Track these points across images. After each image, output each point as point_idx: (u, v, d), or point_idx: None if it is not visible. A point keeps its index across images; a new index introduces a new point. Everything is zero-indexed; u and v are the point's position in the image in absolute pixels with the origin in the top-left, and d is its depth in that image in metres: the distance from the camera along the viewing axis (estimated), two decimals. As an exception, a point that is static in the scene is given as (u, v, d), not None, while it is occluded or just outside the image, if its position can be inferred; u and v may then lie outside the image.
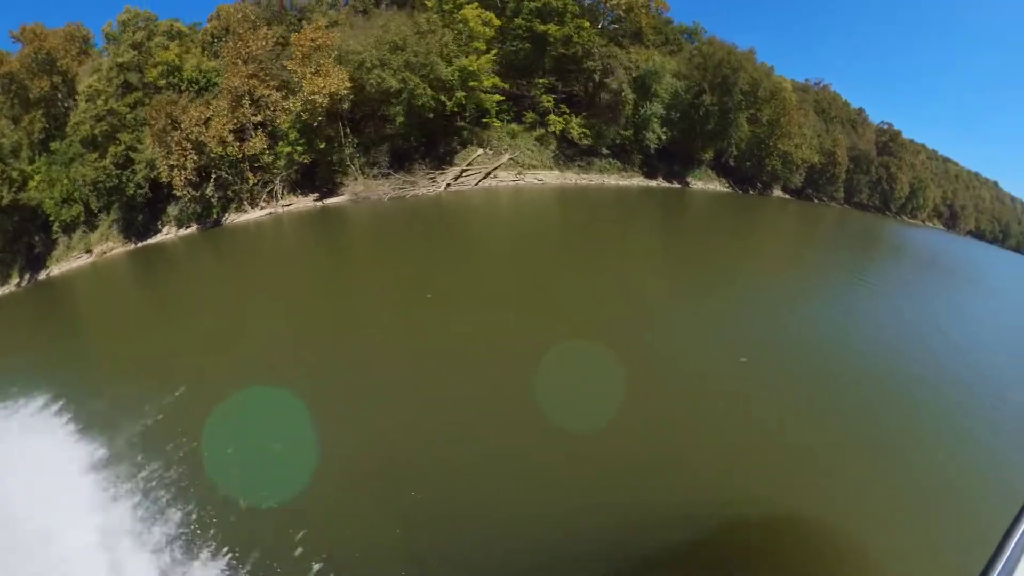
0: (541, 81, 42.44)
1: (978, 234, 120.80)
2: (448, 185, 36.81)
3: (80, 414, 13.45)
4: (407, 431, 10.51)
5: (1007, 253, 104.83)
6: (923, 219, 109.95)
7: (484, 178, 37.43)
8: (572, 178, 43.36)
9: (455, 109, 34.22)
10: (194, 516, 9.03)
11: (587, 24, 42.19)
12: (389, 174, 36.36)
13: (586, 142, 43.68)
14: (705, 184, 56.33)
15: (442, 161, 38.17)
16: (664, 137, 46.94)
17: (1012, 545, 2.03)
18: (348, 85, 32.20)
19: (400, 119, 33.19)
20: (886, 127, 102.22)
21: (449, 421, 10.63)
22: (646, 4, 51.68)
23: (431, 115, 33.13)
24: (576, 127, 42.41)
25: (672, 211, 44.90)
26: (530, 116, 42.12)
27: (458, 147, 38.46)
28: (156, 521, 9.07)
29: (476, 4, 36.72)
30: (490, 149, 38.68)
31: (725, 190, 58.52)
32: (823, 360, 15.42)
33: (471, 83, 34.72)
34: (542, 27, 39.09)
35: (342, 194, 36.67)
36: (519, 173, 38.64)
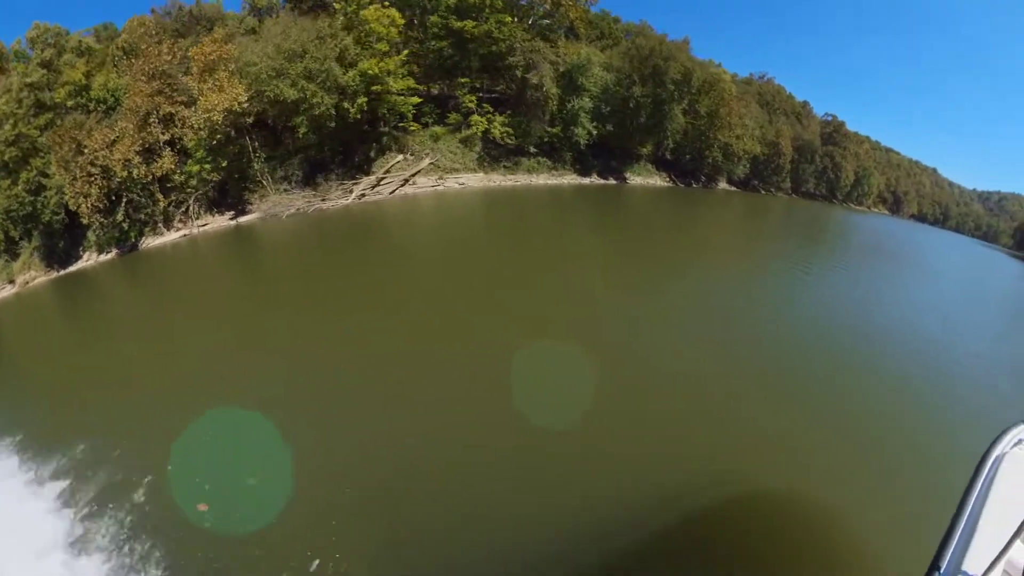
0: (464, 81, 39.42)
1: (920, 217, 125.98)
2: (363, 195, 34.18)
3: (28, 460, 11.55)
4: (374, 439, 9.69)
5: (947, 233, 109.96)
6: (869, 205, 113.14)
7: (402, 185, 34.20)
8: (497, 180, 40.77)
9: (357, 116, 31.73)
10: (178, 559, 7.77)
11: (509, 19, 38.73)
12: (302, 187, 34.04)
13: (510, 142, 40.87)
14: (645, 179, 54.02)
15: (359, 170, 35.28)
16: (595, 132, 44.66)
17: (972, 500, 2.92)
18: (244, 100, 29.82)
19: (303, 130, 30.91)
20: (830, 119, 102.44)
21: (414, 428, 9.87)
22: (573, -4, 49.06)
23: (332, 124, 30.83)
24: (499, 127, 38.95)
25: (608, 208, 41.91)
26: (453, 117, 39.02)
27: (377, 155, 35.34)
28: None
29: (379, 3, 34.24)
30: (411, 154, 35.67)
31: (666, 185, 56.23)
32: (782, 344, 15.30)
33: (375, 87, 32.09)
34: (458, 24, 36.31)
35: (255, 211, 34.26)
36: (440, 178, 35.01)
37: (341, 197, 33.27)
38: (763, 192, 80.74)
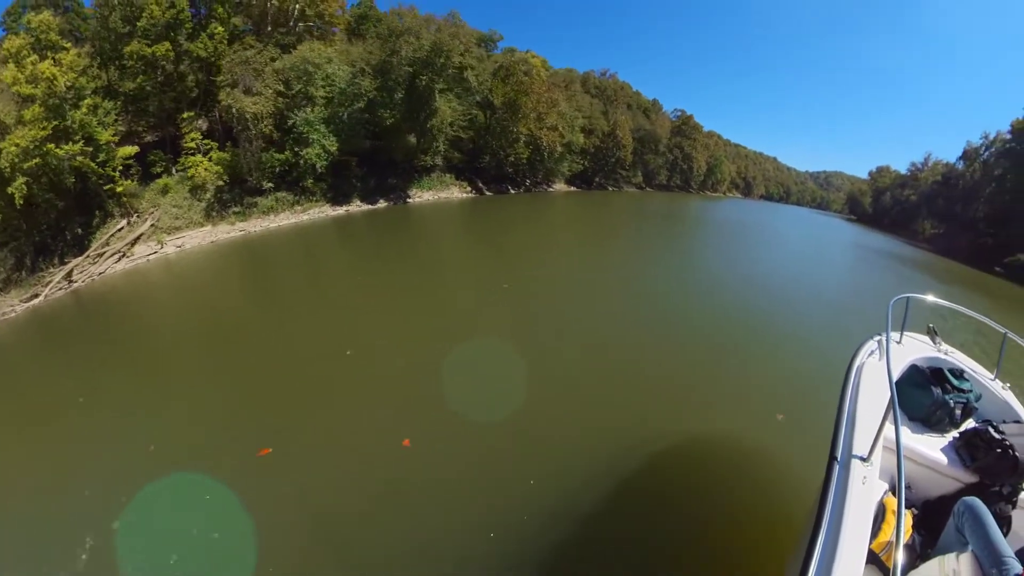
0: (186, 116, 24.94)
1: (768, 197, 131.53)
2: (70, 282, 17.50)
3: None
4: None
5: (792, 207, 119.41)
6: (723, 191, 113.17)
7: (118, 260, 19.75)
8: (226, 231, 24.05)
9: (20, 202, 16.45)
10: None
11: (220, 30, 24.77)
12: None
13: (219, 182, 24.56)
14: (438, 193, 35.59)
15: (80, 248, 19.40)
16: (332, 150, 26.88)
17: (847, 401, 3.58)
18: None
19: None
20: (679, 113, 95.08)
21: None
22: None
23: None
24: (203, 168, 23.81)
25: (367, 243, 24.18)
26: (183, 162, 24.35)
27: (99, 224, 21.01)
28: None
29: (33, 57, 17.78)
30: (135, 217, 22.34)
31: (467, 196, 38.16)
32: (674, 310, 14.68)
33: (33, 161, 16.74)
34: (148, 50, 22.73)
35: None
36: (159, 242, 21.20)
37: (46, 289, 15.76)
38: (610, 189, 66.06)
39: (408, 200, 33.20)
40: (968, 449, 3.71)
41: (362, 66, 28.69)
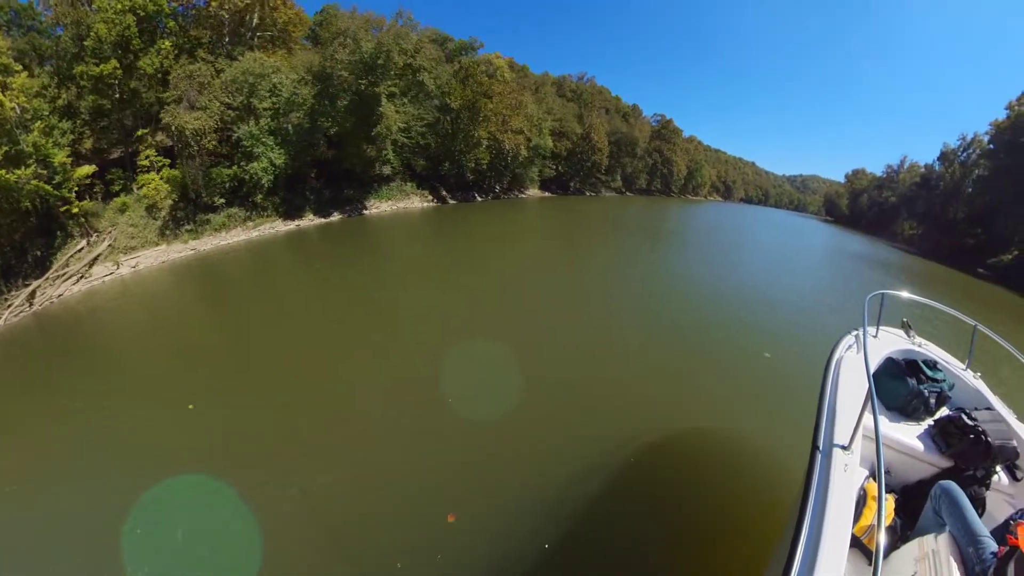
0: (140, 133, 24.65)
1: (748, 200, 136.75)
2: (29, 307, 16.59)
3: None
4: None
5: (770, 209, 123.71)
6: (705, 195, 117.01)
7: (76, 282, 19.00)
8: (178, 250, 23.26)
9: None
10: None
11: (167, 45, 24.36)
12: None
13: (168, 201, 23.81)
14: (397, 204, 34.34)
15: (42, 270, 18.77)
16: (279, 163, 25.77)
17: (828, 393, 3.75)
18: None
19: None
20: (659, 118, 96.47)
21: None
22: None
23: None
24: (153, 187, 23.19)
25: (322, 258, 22.62)
26: (139, 180, 24.02)
27: (61, 245, 20.37)
28: None
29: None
30: (95, 236, 21.94)
31: (429, 205, 36.93)
32: (663, 310, 15.43)
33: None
34: (96, 70, 22.32)
35: None
36: (115, 263, 20.63)
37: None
38: (588, 194, 66.36)
39: (364, 212, 32.11)
40: (943, 436, 3.95)
41: (302, 74, 28.06)
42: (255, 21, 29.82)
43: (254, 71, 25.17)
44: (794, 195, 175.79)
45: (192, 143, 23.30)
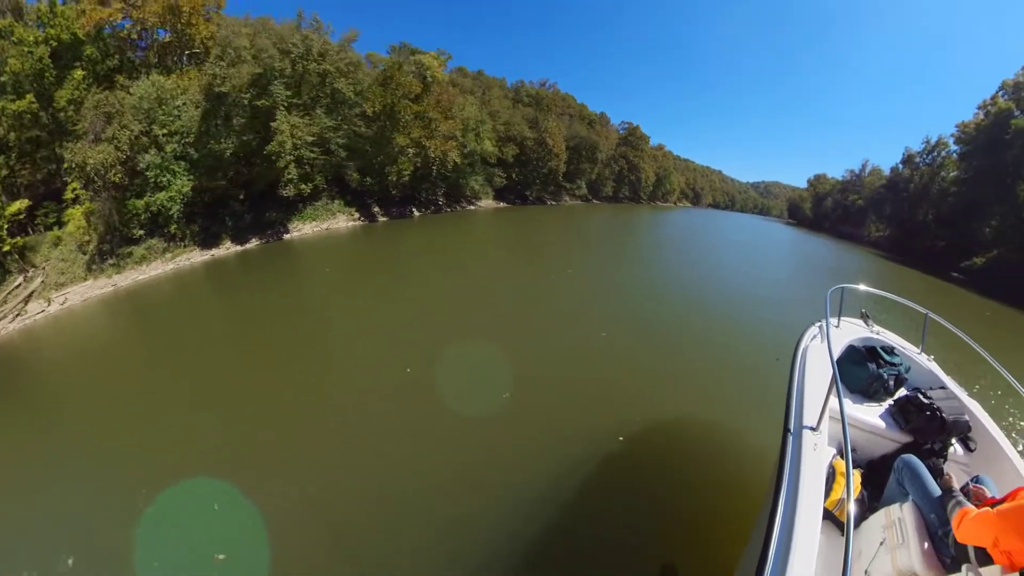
0: (66, 165, 23.75)
1: (715, 205, 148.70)
2: None
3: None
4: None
5: (737, 214, 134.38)
6: (674, 201, 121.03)
7: (12, 320, 18.39)
8: (101, 286, 21.72)
9: None
10: None
11: (79, 74, 23.90)
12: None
13: (86, 236, 22.46)
14: (321, 224, 31.54)
15: None
16: (186, 191, 24.55)
17: (796, 380, 4.21)
18: None
19: None
20: (626, 125, 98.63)
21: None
22: (196, 7, 27.76)
23: None
24: (75, 222, 22.58)
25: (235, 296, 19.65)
26: (67, 214, 23.48)
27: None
28: None
29: None
30: (31, 272, 21.52)
31: (357, 223, 33.79)
32: (643, 310, 16.65)
33: None
34: (12, 106, 22.34)
35: None
36: (46, 300, 19.83)
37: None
38: (550, 203, 65.51)
39: (285, 235, 29.53)
40: (902, 414, 4.45)
41: (197, 95, 26.47)
42: (167, 39, 28.58)
43: (150, 96, 24.19)
44: (758, 200, 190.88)
45: (95, 178, 22.30)
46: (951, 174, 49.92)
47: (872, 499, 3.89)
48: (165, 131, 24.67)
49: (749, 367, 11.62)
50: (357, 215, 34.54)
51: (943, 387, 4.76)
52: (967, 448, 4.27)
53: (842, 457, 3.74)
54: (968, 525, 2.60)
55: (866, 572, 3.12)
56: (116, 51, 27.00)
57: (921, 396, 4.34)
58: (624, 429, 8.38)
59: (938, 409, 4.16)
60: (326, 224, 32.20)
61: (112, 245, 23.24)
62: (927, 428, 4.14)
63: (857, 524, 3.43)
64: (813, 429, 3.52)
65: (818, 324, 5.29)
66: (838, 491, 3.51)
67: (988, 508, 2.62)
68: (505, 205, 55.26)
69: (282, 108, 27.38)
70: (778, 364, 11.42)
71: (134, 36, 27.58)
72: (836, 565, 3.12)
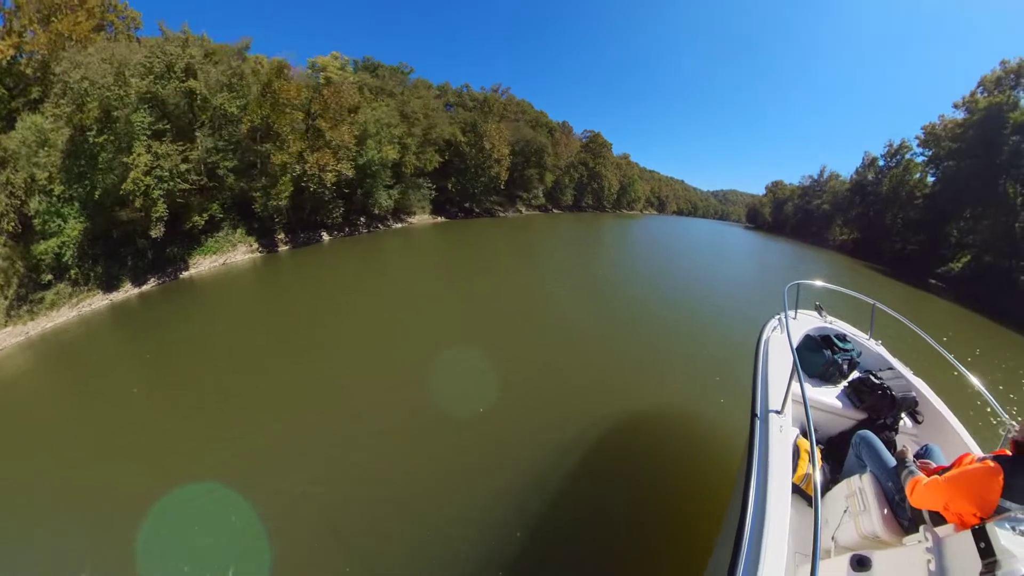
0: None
1: (680, 212, 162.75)
2: None
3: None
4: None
5: (699, 220, 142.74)
6: (640, 209, 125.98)
7: None
8: (16, 333, 19.01)
9: None
10: None
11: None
12: None
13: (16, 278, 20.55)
14: (222, 257, 28.19)
15: None
16: (75, 233, 22.67)
17: (760, 368, 4.71)
18: None
19: None
20: (589, 133, 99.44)
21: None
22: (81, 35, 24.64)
23: None
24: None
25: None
26: None
27: None
28: None
29: None
30: None
31: (257, 255, 29.68)
32: (619, 309, 18.46)
33: None
34: None
35: None
36: None
37: None
38: (501, 214, 61.25)
39: (183, 273, 26.28)
40: (856, 394, 5.16)
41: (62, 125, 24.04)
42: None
43: (28, 140, 22.73)
44: (718, 207, 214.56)
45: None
46: (919, 177, 50.67)
47: (833, 472, 4.48)
48: (46, 175, 22.99)
49: (717, 359, 12.92)
50: (256, 245, 30.94)
51: (891, 368, 5.54)
52: (915, 421, 4.98)
53: (805, 436, 4.30)
54: (920, 492, 2.98)
55: (833, 538, 3.64)
56: (18, 89, 24.86)
57: (872, 377, 5.05)
58: (599, 424, 9.17)
59: (888, 388, 4.86)
60: (223, 258, 28.93)
61: (28, 290, 21.54)
62: (879, 405, 4.84)
63: (822, 495, 3.93)
64: (778, 412, 4.02)
65: (778, 317, 5.98)
66: (803, 467, 4.07)
67: (937, 476, 3.04)
68: (444, 220, 50.67)
69: (141, 138, 24.02)
70: (716, 348, 13.92)
71: (28, 71, 25.26)
72: (806, 533, 3.55)
